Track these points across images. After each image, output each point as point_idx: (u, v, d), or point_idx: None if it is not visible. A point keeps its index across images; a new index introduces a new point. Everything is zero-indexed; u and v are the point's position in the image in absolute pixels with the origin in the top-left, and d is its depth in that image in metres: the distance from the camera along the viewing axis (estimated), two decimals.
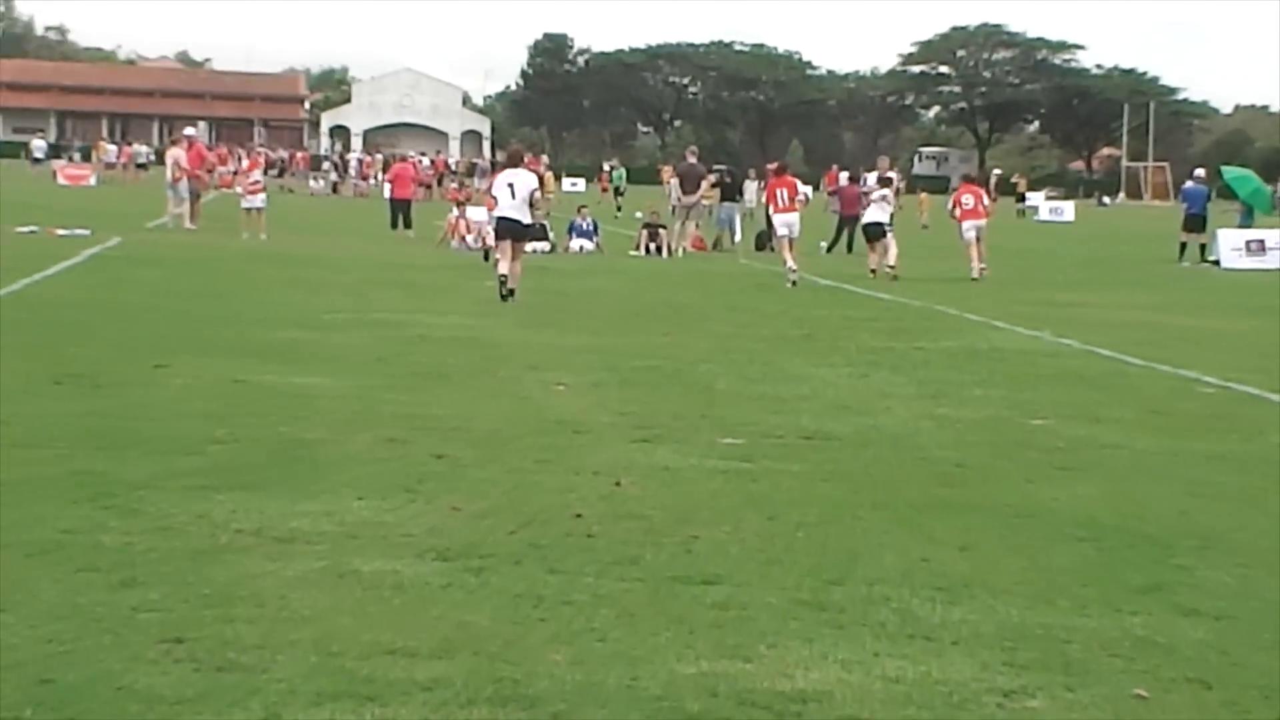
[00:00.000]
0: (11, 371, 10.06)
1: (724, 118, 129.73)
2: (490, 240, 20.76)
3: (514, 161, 19.06)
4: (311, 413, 9.04)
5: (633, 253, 28.35)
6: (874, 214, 24.53)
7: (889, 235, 23.96)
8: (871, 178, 30.34)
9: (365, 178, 62.30)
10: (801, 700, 4.35)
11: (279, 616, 4.95)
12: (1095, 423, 9.82)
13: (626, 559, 5.87)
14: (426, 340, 13.17)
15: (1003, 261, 26.46)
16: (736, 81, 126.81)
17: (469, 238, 28.03)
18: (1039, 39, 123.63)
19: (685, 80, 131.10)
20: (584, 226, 29.36)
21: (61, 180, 56.31)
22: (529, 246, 21.04)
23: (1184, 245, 31.26)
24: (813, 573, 5.75)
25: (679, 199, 29.71)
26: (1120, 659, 4.87)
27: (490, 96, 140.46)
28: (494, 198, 17.98)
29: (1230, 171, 37.69)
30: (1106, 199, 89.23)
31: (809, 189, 29.02)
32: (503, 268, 17.37)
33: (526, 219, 17.75)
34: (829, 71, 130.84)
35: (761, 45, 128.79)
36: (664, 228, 28.99)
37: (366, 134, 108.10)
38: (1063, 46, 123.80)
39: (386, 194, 36.42)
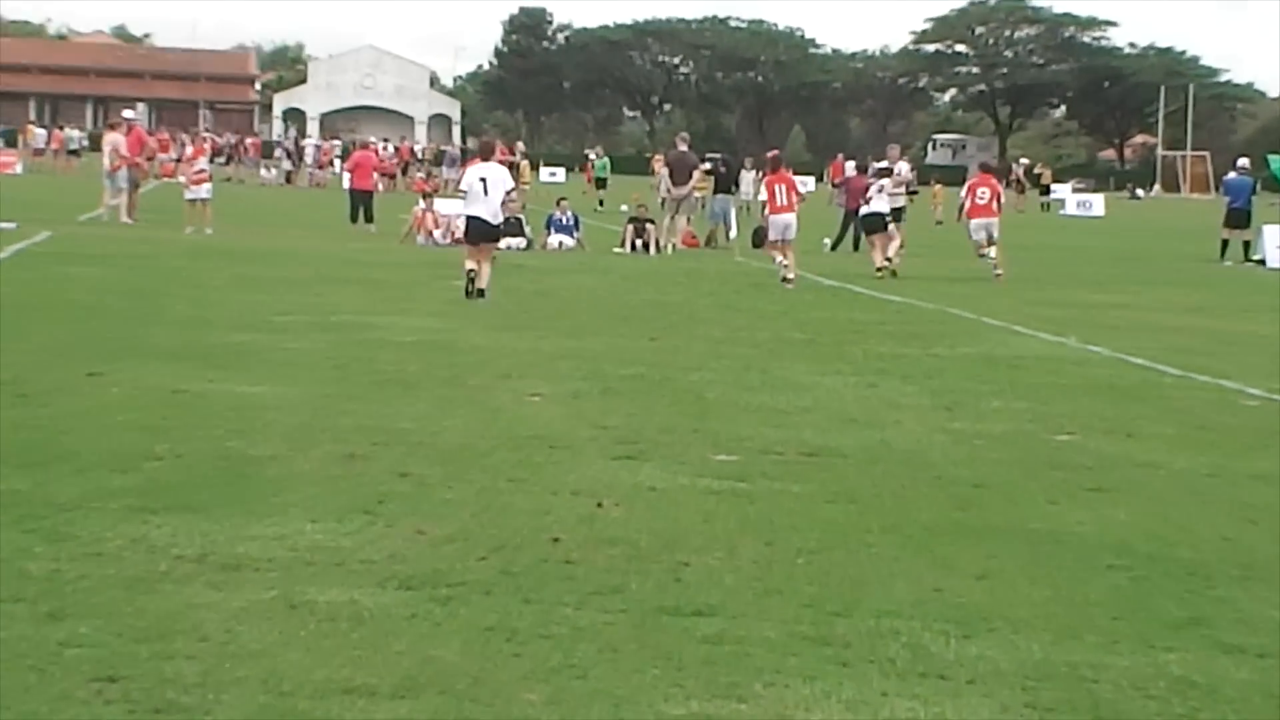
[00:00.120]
0: None
1: (718, 101, 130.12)
2: (460, 234, 20.80)
3: (487, 154, 19.13)
4: (261, 425, 9.04)
5: (618, 250, 28.35)
6: (874, 204, 24.59)
7: (891, 227, 24.02)
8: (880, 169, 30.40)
9: (322, 166, 62.23)
10: None
11: (224, 652, 4.94)
12: (1127, 438, 9.85)
13: (609, 588, 5.87)
14: (389, 345, 13.17)
15: (1024, 259, 26.54)
16: (732, 61, 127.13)
17: (436, 232, 28.04)
18: (1066, 14, 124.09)
19: (676, 60, 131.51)
20: (564, 221, 29.35)
21: None
22: (503, 243, 21.08)
23: (1226, 242, 31.35)
24: (815, 604, 5.76)
25: (669, 191, 29.74)
26: (1155, 701, 4.88)
27: (461, 77, 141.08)
28: (463, 193, 18.01)
29: (1278, 161, 37.86)
30: (1140, 191, 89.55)
31: (809, 179, 29.05)
32: (470, 263, 17.48)
33: (499, 219, 17.93)
34: (834, 51, 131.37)
35: (760, 22, 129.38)
36: (652, 222, 28.98)
37: (324, 118, 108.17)
38: (1092, 23, 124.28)
39: (346, 184, 36.37)
